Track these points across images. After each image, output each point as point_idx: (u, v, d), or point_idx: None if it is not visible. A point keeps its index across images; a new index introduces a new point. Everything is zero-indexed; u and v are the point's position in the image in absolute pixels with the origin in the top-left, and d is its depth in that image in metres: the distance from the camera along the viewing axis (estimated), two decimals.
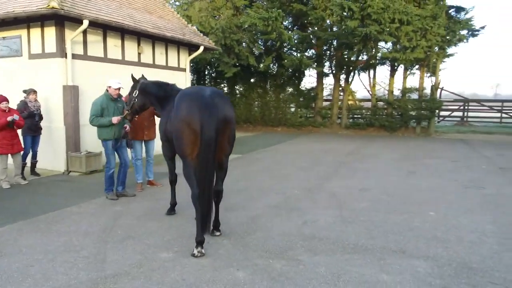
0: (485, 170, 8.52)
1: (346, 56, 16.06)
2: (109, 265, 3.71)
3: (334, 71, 17.64)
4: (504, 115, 19.90)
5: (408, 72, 16.90)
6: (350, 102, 18.29)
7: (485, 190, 6.64)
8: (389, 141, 14.18)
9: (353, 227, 4.79)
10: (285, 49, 16.77)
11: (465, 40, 14.04)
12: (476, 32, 15.42)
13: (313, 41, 16.11)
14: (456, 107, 20.18)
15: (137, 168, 6.78)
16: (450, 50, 14.67)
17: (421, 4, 13.06)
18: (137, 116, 5.74)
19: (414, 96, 16.91)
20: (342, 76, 17.75)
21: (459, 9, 15.27)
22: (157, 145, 6.58)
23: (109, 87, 6.02)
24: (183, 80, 12.36)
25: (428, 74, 16.01)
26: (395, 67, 16.54)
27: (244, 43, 15.86)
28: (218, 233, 4.45)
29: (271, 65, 17.07)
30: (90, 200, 6.04)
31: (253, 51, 15.67)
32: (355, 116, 18.30)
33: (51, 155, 8.39)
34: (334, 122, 17.93)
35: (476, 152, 11.37)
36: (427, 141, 14.53)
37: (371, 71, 17.38)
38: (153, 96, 5.17)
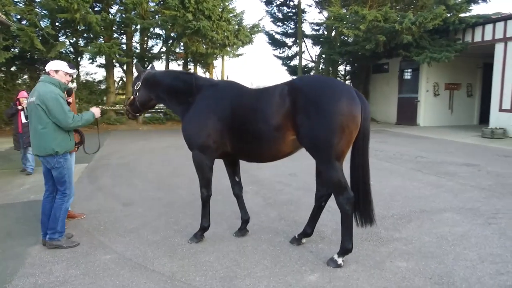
0: None
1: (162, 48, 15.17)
2: None
3: (126, 63, 16.30)
4: None
5: (197, 67, 18.08)
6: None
7: None
8: None
9: None
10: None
11: (252, 43, 16.48)
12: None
13: (123, 29, 14.28)
14: None
15: None
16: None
17: None
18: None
19: None
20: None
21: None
22: None
23: (56, 71, 3.82)
24: None
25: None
26: (189, 62, 17.29)
27: (26, 21, 12.07)
28: (304, 240, 4.07)
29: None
30: (30, 257, 3.67)
31: (40, 32, 12.12)
32: (152, 110, 17.71)
33: None
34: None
35: None
36: None
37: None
38: (164, 88, 4.04)
